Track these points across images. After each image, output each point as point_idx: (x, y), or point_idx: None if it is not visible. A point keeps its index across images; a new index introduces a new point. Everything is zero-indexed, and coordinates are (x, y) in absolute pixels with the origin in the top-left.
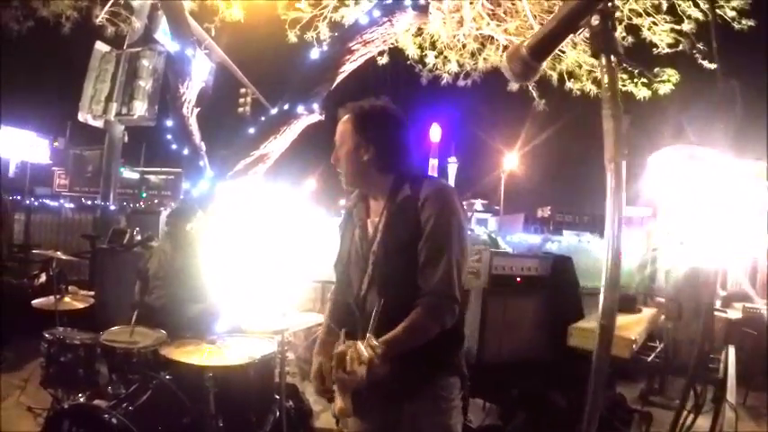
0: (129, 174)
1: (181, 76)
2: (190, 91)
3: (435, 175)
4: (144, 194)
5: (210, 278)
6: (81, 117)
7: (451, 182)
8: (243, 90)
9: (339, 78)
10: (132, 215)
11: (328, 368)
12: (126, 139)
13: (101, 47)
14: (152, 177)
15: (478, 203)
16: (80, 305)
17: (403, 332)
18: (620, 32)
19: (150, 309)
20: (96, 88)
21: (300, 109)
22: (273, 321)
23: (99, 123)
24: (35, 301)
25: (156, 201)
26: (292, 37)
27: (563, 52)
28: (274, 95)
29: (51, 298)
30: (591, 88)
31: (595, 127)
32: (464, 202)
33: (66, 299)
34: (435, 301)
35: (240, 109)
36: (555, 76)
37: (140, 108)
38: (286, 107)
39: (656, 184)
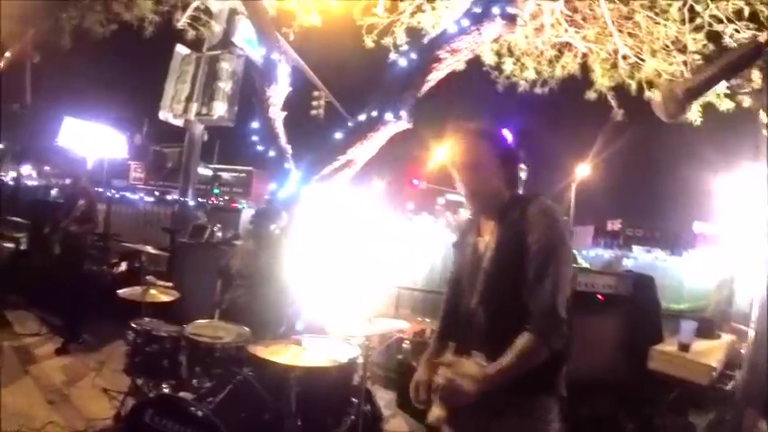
0: (203, 170)
1: (267, 79)
2: (276, 94)
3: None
4: (217, 191)
5: (294, 279)
6: (162, 116)
7: (521, 189)
8: (316, 93)
9: (426, 87)
10: (212, 212)
11: (428, 378)
12: (206, 137)
13: (181, 49)
14: (224, 174)
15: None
16: (165, 298)
17: (515, 359)
18: (701, 38)
19: (233, 306)
20: (177, 89)
21: (389, 116)
22: (358, 326)
23: (179, 122)
24: (121, 291)
25: (227, 197)
26: (369, 42)
27: (642, 60)
28: (348, 99)
29: (138, 289)
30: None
31: (669, 139)
32: None
33: (152, 291)
34: (543, 325)
35: (313, 112)
36: (633, 85)
37: (220, 108)
38: (374, 113)
39: (735, 201)
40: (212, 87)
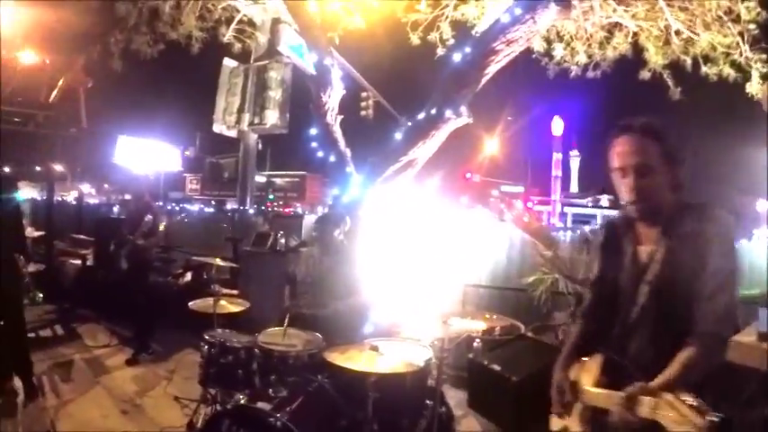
0: (257, 177)
1: (322, 85)
2: (332, 99)
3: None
4: (271, 197)
5: (362, 283)
6: (216, 128)
7: (574, 176)
8: (364, 94)
9: (484, 80)
10: (274, 219)
11: (567, 384)
12: (260, 146)
13: (229, 63)
14: (277, 180)
15: (605, 199)
16: (235, 309)
17: (679, 374)
18: (754, 6)
19: (300, 313)
20: (228, 101)
21: (448, 113)
22: (433, 327)
23: (233, 133)
24: (192, 303)
25: (281, 202)
26: (415, 39)
27: (696, 34)
28: (396, 97)
29: (208, 300)
30: (729, 72)
31: (732, 118)
32: (589, 198)
33: (222, 302)
34: (710, 343)
35: (363, 113)
36: (689, 61)
37: (272, 117)
38: (433, 111)
39: None
40: (263, 97)
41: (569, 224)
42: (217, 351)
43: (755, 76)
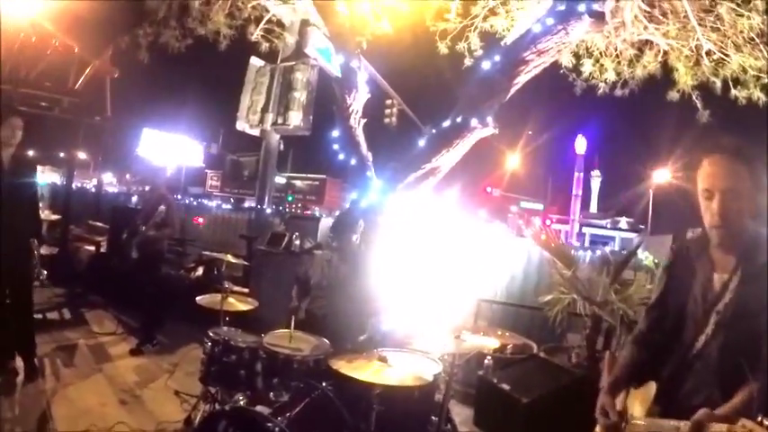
0: (277, 178)
1: (347, 87)
2: (356, 102)
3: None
4: (291, 198)
5: (376, 290)
6: (239, 126)
7: (594, 197)
8: (388, 101)
9: (513, 90)
10: (290, 220)
11: (615, 412)
12: (282, 147)
13: (255, 62)
14: (297, 182)
15: (623, 221)
16: (243, 307)
17: (743, 405)
18: None
19: (311, 317)
20: (253, 100)
21: (474, 122)
22: (445, 342)
23: (256, 132)
24: (200, 299)
25: (299, 204)
26: (443, 48)
27: (726, 55)
28: (420, 108)
29: (216, 296)
30: (759, 96)
31: (757, 140)
32: (608, 221)
33: (230, 299)
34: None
35: (386, 120)
36: (718, 83)
37: (296, 118)
38: (459, 119)
39: None
40: (287, 97)
41: (587, 244)
42: (220, 349)
43: None
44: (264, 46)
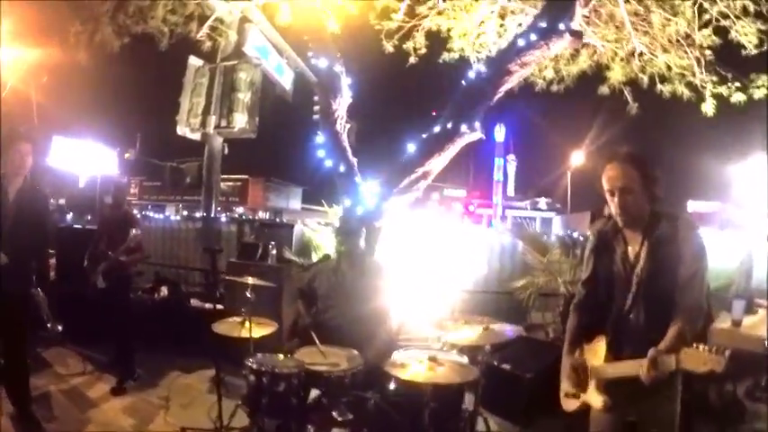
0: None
1: (332, 92)
2: (341, 107)
3: (501, 175)
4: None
5: (384, 294)
6: (179, 131)
7: (511, 181)
8: (316, 98)
9: (496, 98)
10: (261, 228)
11: (581, 366)
12: (226, 150)
13: (194, 61)
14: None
15: (542, 202)
16: (265, 332)
17: (675, 341)
18: (708, 34)
19: (325, 328)
20: (193, 102)
21: (464, 128)
22: (475, 334)
23: (196, 136)
24: (218, 327)
25: (221, 206)
26: (389, 47)
27: (655, 56)
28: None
29: (233, 321)
30: (683, 91)
31: (666, 123)
32: (527, 202)
33: (247, 324)
34: (693, 314)
35: (315, 116)
36: (645, 79)
37: (241, 120)
38: (449, 125)
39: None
40: (230, 98)
41: (509, 226)
42: (268, 379)
43: (709, 96)
44: (187, 44)
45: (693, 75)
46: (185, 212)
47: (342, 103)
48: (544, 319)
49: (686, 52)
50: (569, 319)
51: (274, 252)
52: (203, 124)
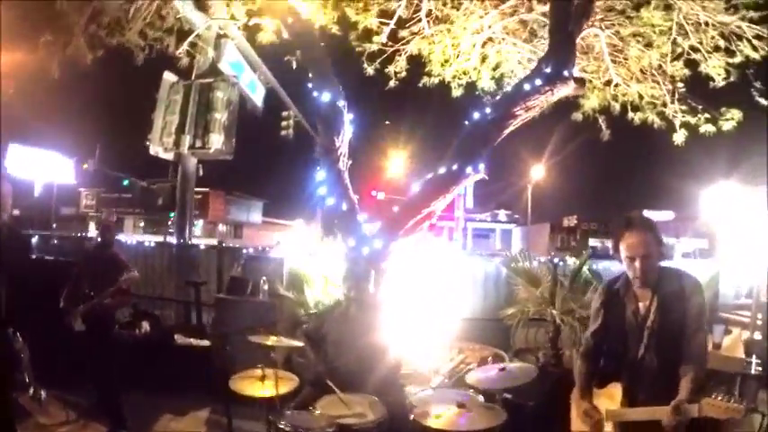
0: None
1: (335, 128)
2: (344, 144)
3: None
4: (173, 214)
5: (394, 336)
6: (152, 150)
7: (470, 193)
8: (285, 113)
9: (499, 139)
10: (249, 262)
11: (595, 410)
12: (201, 172)
13: (169, 77)
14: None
15: (502, 214)
16: (288, 388)
17: (693, 387)
18: (680, 68)
19: (338, 374)
20: (166, 120)
21: (468, 170)
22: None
23: (169, 156)
24: (236, 384)
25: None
26: (369, 70)
27: (628, 86)
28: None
29: (251, 375)
30: (653, 119)
31: (620, 138)
32: (488, 213)
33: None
34: (701, 361)
35: (283, 132)
36: (617, 107)
37: (217, 141)
38: (454, 167)
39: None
40: (206, 118)
41: (470, 238)
42: None
43: (678, 126)
44: (154, 56)
45: (665, 105)
46: (159, 237)
47: (344, 140)
48: (530, 343)
49: (658, 83)
50: (578, 366)
51: (266, 287)
52: (177, 144)
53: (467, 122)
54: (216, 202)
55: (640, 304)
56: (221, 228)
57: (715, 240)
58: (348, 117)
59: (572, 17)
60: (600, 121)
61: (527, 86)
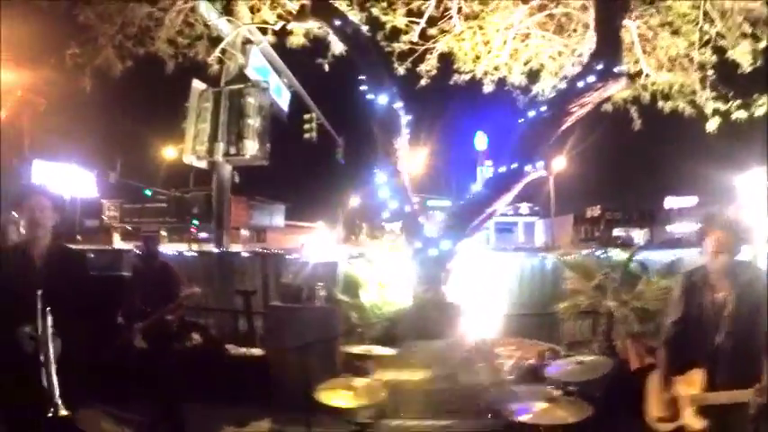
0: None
1: (394, 130)
2: (402, 146)
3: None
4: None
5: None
6: (186, 159)
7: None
8: (307, 116)
9: (554, 137)
10: (301, 267)
11: (677, 395)
12: (237, 179)
13: (198, 85)
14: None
15: (524, 206)
16: (377, 398)
17: None
18: (709, 55)
19: None
20: (198, 128)
21: (528, 168)
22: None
23: (202, 164)
24: (324, 395)
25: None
26: (400, 70)
27: (658, 75)
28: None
29: (337, 385)
30: (684, 107)
31: (642, 125)
32: (510, 206)
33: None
34: None
35: (306, 135)
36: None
37: (251, 147)
38: (515, 166)
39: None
40: (239, 125)
41: (493, 232)
42: None
43: (711, 113)
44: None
45: (695, 93)
46: (195, 246)
47: (402, 143)
48: (577, 336)
49: (687, 71)
50: (660, 353)
51: (323, 293)
52: (211, 152)
53: (521, 121)
54: (238, 208)
55: (719, 294)
56: (244, 233)
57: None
58: (405, 119)
59: (617, 13)
60: (631, 110)
61: (580, 84)
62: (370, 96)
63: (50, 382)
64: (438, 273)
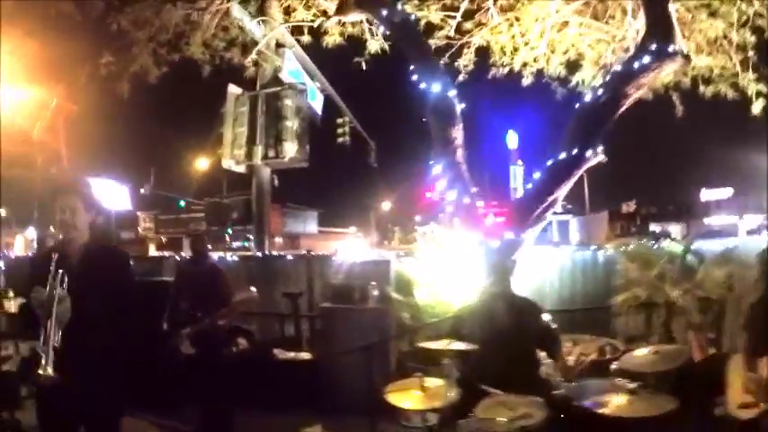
0: None
1: (451, 119)
2: (459, 135)
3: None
4: (230, 230)
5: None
6: (224, 164)
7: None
8: (340, 120)
9: (612, 120)
10: (351, 268)
11: (760, 379)
12: (276, 182)
13: (234, 89)
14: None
15: (558, 205)
16: (450, 398)
17: None
18: (748, 35)
19: (487, 374)
20: (236, 132)
21: (589, 153)
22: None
23: (241, 169)
24: (394, 397)
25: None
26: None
27: (698, 58)
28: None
29: (408, 385)
30: (726, 91)
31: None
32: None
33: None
34: None
35: (339, 139)
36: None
37: (291, 149)
38: (574, 152)
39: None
40: (277, 127)
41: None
42: None
43: (755, 96)
44: (194, 73)
45: (736, 75)
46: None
47: (459, 132)
48: (632, 330)
49: (728, 53)
50: (746, 338)
51: (376, 293)
52: (249, 155)
53: (577, 105)
54: (272, 215)
55: None
56: (278, 240)
57: None
58: (460, 107)
59: None
60: (670, 98)
61: (636, 65)
62: (422, 86)
63: (47, 341)
64: (506, 265)
